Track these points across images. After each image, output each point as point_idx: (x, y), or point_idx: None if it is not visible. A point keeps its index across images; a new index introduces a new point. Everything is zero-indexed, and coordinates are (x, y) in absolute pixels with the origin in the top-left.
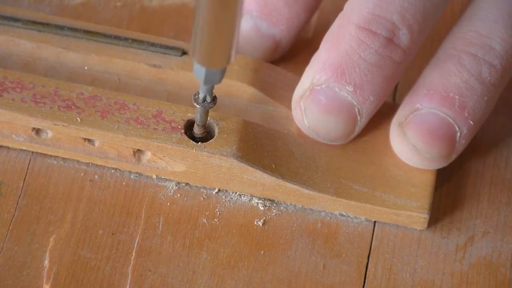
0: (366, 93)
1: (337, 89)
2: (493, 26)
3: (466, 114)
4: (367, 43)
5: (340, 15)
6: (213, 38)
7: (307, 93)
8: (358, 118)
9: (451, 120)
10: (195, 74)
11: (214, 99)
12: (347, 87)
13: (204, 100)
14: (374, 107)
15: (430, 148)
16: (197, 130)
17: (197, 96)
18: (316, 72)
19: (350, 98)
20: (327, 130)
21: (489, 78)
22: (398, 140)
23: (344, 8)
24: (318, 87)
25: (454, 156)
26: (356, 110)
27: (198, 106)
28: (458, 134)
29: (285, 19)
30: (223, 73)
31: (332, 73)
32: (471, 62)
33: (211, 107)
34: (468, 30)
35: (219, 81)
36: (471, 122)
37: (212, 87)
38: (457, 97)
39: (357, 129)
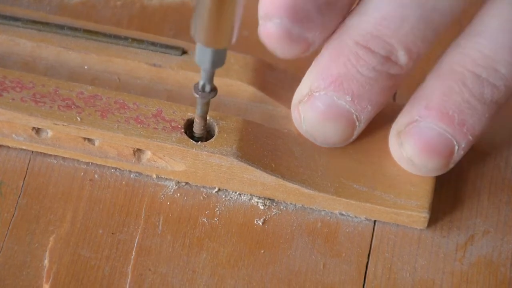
0: (364, 102)
1: (335, 98)
2: (499, 48)
3: (465, 130)
4: (365, 60)
5: (342, 25)
6: (216, 15)
7: (306, 98)
8: (357, 124)
9: (449, 136)
10: (197, 61)
11: (214, 89)
12: (345, 97)
13: (204, 89)
14: (372, 114)
15: (426, 162)
16: (197, 125)
17: (197, 85)
18: (315, 79)
19: (348, 106)
20: (324, 135)
21: (491, 98)
22: (396, 149)
23: (345, 21)
24: (317, 94)
25: (451, 166)
26: (354, 117)
27: (197, 95)
28: (456, 148)
29: (318, 26)
30: (225, 54)
31: (330, 82)
32: (474, 83)
33: (212, 97)
34: (473, 48)
35: (223, 62)
36: (470, 137)
37: (212, 76)
38: (457, 115)
39: (356, 134)
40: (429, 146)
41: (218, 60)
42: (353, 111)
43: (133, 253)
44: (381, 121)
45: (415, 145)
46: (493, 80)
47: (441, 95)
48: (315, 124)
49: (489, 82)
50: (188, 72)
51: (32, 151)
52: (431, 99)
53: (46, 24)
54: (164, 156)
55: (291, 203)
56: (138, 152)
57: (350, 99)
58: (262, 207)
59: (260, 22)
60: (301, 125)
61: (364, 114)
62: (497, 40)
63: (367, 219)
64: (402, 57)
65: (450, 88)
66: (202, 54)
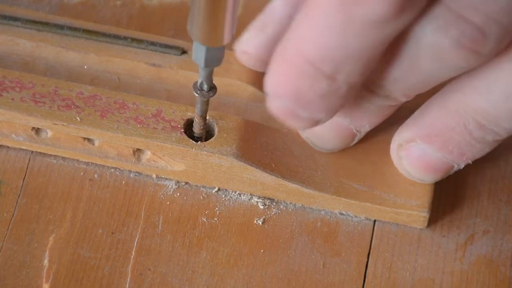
0: (363, 123)
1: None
2: (504, 105)
3: (465, 158)
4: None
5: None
6: (211, 12)
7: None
8: (357, 135)
9: (448, 160)
10: (195, 59)
11: (213, 88)
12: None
13: (202, 87)
14: (371, 128)
15: (424, 176)
16: (197, 124)
17: (196, 84)
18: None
19: (346, 123)
20: (322, 143)
21: (492, 140)
22: (395, 158)
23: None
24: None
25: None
26: (354, 130)
27: (197, 94)
28: (455, 167)
29: (324, 109)
30: (223, 53)
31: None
32: (477, 129)
33: (211, 96)
34: (480, 99)
35: (220, 62)
36: (470, 161)
37: (211, 74)
38: (457, 149)
39: (355, 141)
40: (428, 166)
41: (214, 58)
42: (352, 127)
43: (133, 253)
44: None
45: (413, 163)
46: (495, 128)
47: (443, 129)
48: (313, 132)
49: (492, 130)
50: (188, 72)
51: (32, 151)
52: (432, 127)
53: (46, 24)
54: (163, 156)
55: (291, 203)
56: (137, 152)
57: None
58: (262, 207)
59: (267, 97)
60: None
61: (363, 129)
62: (502, 96)
63: (367, 219)
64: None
65: (452, 128)
66: (198, 52)
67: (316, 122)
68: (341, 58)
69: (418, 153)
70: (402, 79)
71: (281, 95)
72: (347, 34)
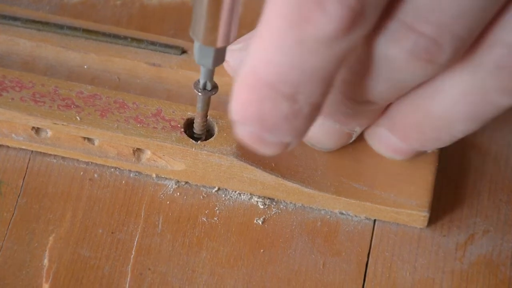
0: (353, 125)
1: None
2: (454, 109)
3: (427, 149)
4: None
5: None
6: (214, 14)
7: None
8: (354, 134)
9: (409, 148)
10: (199, 61)
11: (215, 86)
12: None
13: (205, 87)
14: (363, 128)
15: (389, 156)
16: (197, 123)
17: (197, 83)
18: None
19: (337, 127)
20: (320, 144)
21: (449, 140)
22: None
23: None
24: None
25: None
26: (348, 131)
27: (198, 93)
28: (418, 151)
29: (290, 132)
30: (225, 53)
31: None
32: (432, 131)
33: (212, 95)
34: (433, 104)
35: (223, 59)
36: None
37: (212, 74)
38: (416, 143)
39: (354, 138)
40: (389, 149)
41: (220, 57)
42: (346, 130)
43: (133, 253)
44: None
45: (376, 144)
46: (450, 130)
47: (405, 125)
48: (311, 134)
49: (447, 131)
50: (188, 72)
51: (32, 151)
52: (396, 123)
53: (46, 23)
54: (163, 155)
55: (291, 202)
56: (137, 151)
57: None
58: (262, 206)
59: (234, 124)
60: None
61: (358, 130)
62: (453, 109)
63: (367, 218)
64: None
65: (412, 125)
66: (204, 54)
67: (286, 146)
68: (298, 78)
69: (379, 136)
70: (375, 88)
71: (246, 121)
72: (299, 53)
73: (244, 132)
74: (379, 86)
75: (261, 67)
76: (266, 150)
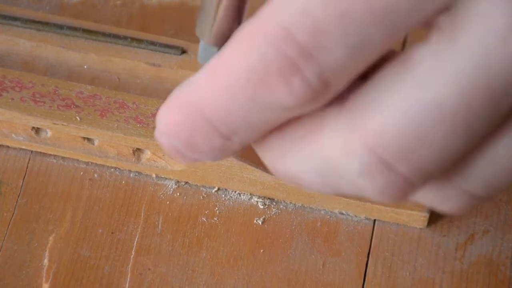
0: None
1: None
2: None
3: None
4: None
5: None
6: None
7: None
8: None
9: None
10: (201, 59)
11: None
12: None
13: None
14: None
15: None
16: None
17: None
18: None
19: None
20: None
21: None
22: None
23: None
24: None
25: None
26: None
27: None
28: None
29: (210, 158)
30: None
31: None
32: None
33: None
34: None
35: None
36: None
37: None
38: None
39: None
40: None
41: None
42: None
43: (133, 253)
44: None
45: None
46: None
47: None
48: None
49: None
50: (188, 72)
51: (32, 151)
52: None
53: (46, 23)
54: (163, 155)
55: (290, 202)
56: (137, 151)
57: None
58: (261, 206)
59: (156, 125)
60: None
61: None
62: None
63: (367, 218)
64: None
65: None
66: (205, 52)
67: (203, 162)
68: (239, 125)
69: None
70: None
71: (170, 136)
72: (248, 107)
73: (164, 140)
74: None
75: (206, 103)
76: (180, 160)
